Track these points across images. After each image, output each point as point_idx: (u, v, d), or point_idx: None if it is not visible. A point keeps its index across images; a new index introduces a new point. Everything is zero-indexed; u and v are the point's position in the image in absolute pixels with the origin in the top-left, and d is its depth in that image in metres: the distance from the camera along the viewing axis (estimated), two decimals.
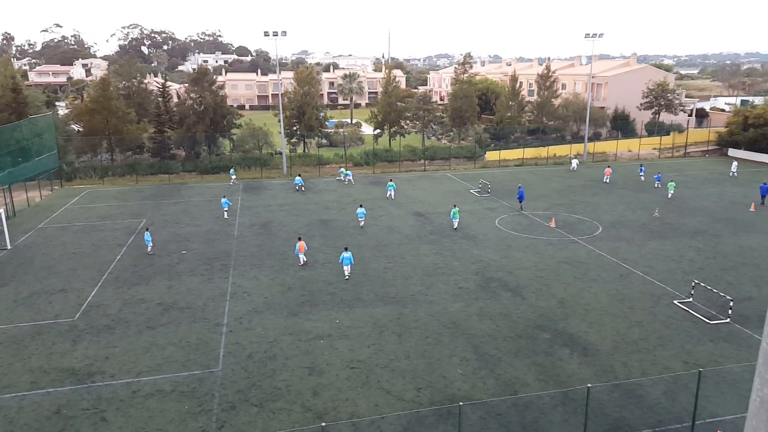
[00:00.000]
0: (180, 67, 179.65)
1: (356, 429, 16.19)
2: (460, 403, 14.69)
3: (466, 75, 67.67)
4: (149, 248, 31.92)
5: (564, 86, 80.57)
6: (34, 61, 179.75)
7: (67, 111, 69.02)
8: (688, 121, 71.26)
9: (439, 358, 20.02)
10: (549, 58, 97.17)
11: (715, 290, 24.21)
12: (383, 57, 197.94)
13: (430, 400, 17.47)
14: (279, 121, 59.01)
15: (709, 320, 22.36)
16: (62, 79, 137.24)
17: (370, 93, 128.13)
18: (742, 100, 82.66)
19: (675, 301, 24.17)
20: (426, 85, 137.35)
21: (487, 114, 77.42)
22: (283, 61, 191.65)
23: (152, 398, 17.77)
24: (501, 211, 40.20)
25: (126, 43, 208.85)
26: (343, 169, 53.26)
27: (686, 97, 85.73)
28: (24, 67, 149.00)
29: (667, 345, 20.59)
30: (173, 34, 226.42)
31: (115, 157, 59.77)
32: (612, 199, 43.30)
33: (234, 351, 20.60)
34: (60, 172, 51.20)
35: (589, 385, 14.99)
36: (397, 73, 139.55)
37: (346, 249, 27.94)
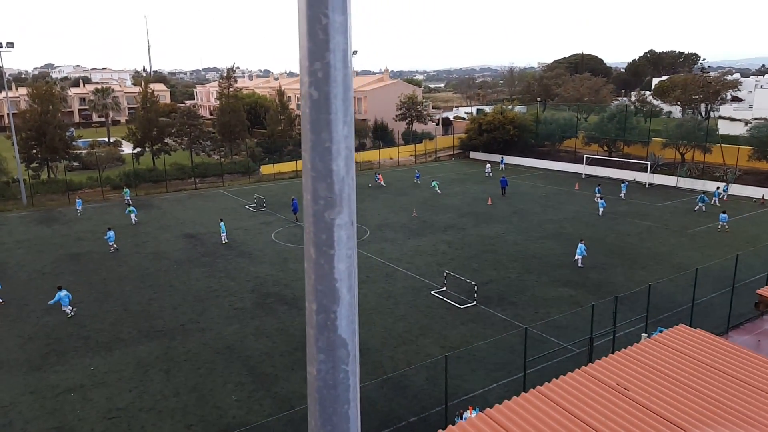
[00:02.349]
0: None
1: None
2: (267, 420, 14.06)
3: (231, 89, 66.27)
4: None
5: None
6: None
7: None
8: (436, 129, 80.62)
9: (212, 388, 18.98)
10: None
11: (462, 277, 27.54)
12: (144, 70, 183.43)
13: None
14: (13, 144, 50.18)
15: (460, 305, 25.27)
16: None
17: (130, 108, 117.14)
18: (477, 109, 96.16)
19: (432, 292, 26.81)
20: (193, 99, 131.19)
21: (258, 128, 77.08)
22: (22, 75, 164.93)
23: None
24: (277, 225, 40.14)
25: None
26: (127, 191, 49.37)
27: (433, 108, 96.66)
28: None
29: (427, 333, 22.68)
30: None
31: None
32: (377, 204, 46.49)
33: None
34: None
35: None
36: (160, 87, 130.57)
37: (59, 288, 25.01)
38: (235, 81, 69.49)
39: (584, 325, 21.80)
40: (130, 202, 47.08)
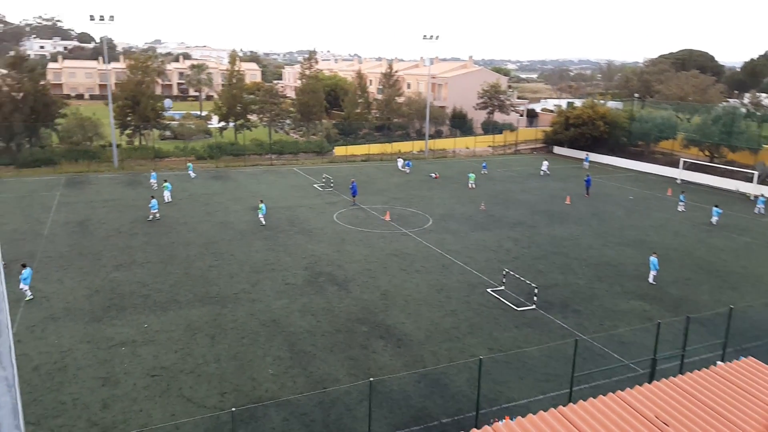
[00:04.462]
0: (12, 53, 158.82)
1: None
2: (233, 409, 13.86)
3: (311, 70, 67.30)
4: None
5: (409, 85, 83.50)
6: None
7: None
8: (519, 120, 77.44)
9: (251, 359, 19.08)
10: (396, 58, 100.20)
11: (523, 278, 25.96)
12: (241, 50, 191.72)
13: (234, 404, 16.41)
14: (110, 111, 54.03)
15: (517, 307, 23.76)
16: None
17: (223, 85, 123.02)
18: (568, 102, 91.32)
19: (489, 290, 25.49)
20: (281, 79, 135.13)
21: (337, 110, 77.90)
22: (132, 49, 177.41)
23: None
24: (341, 206, 40.16)
25: None
26: (190, 165, 50.41)
27: (518, 98, 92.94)
28: None
29: (476, 332, 21.53)
30: (4, 16, 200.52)
31: None
32: (445, 193, 45.29)
33: (19, 363, 17.32)
34: None
35: (371, 379, 14.93)
36: (252, 66, 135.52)
37: (24, 266, 23.74)
38: (317, 62, 70.45)
39: (654, 344, 19.87)
40: (192, 175, 48.25)
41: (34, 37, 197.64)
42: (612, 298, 25.24)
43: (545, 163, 56.08)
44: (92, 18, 49.43)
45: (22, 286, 23.13)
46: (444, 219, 37.34)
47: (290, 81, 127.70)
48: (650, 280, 27.32)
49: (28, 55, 67.67)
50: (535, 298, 24.03)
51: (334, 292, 24.71)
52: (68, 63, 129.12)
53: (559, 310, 23.72)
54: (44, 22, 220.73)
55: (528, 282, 25.33)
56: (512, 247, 31.90)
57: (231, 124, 63.58)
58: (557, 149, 69.09)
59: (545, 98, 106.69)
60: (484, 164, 56.24)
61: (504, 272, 26.28)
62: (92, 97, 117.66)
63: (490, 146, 69.86)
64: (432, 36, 61.01)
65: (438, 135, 71.18)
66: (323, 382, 17.80)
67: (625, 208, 42.26)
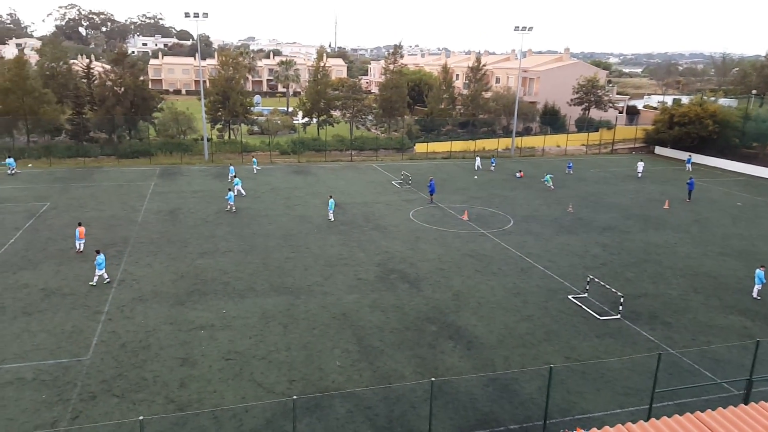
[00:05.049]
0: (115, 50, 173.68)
1: (216, 421, 15.32)
2: (294, 397, 13.87)
3: (395, 65, 66.94)
4: None
5: (498, 80, 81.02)
6: None
7: None
8: (617, 117, 72.87)
9: (320, 350, 19.25)
10: (486, 51, 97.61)
11: (608, 286, 24.31)
12: (329, 45, 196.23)
13: (301, 392, 16.69)
14: (202, 106, 57.05)
15: (600, 316, 22.30)
16: None
17: (309, 82, 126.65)
18: (674, 99, 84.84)
19: (570, 296, 24.10)
20: (367, 75, 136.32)
21: (420, 105, 77.04)
22: (227, 46, 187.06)
23: (10, 386, 16.67)
24: (418, 203, 39.78)
25: (63, 23, 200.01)
26: (255, 160, 51.99)
27: (618, 94, 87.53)
28: None
29: (552, 340, 20.42)
30: (112, 15, 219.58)
31: (36, 139, 56.69)
32: (530, 194, 43.54)
33: (108, 340, 19.46)
34: None
35: (433, 378, 14.48)
36: (338, 62, 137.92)
37: (98, 252, 24.65)
38: (401, 57, 70.07)
39: (752, 363, 17.84)
40: (256, 170, 49.51)
41: (138, 35, 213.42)
42: (708, 312, 23.12)
43: (641, 164, 52.25)
44: (187, 15, 51.92)
45: (97, 271, 24.44)
46: (526, 220, 35.93)
47: (376, 76, 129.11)
48: (754, 294, 24.72)
49: (132, 52, 73.43)
50: (620, 308, 22.44)
51: (405, 290, 24.42)
52: (167, 59, 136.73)
53: (646, 322, 22.06)
54: (147, 20, 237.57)
55: (614, 290, 23.68)
56: (600, 253, 30.04)
57: (314, 120, 64.98)
58: (659, 149, 64.43)
59: (649, 94, 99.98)
60: (569, 163, 53.65)
61: (588, 279, 24.78)
62: (188, 93, 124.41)
63: (583, 145, 66.32)
64: (525, 27, 58.69)
65: (527, 132, 68.65)
66: (389, 378, 17.61)
67: (731, 215, 38.69)
